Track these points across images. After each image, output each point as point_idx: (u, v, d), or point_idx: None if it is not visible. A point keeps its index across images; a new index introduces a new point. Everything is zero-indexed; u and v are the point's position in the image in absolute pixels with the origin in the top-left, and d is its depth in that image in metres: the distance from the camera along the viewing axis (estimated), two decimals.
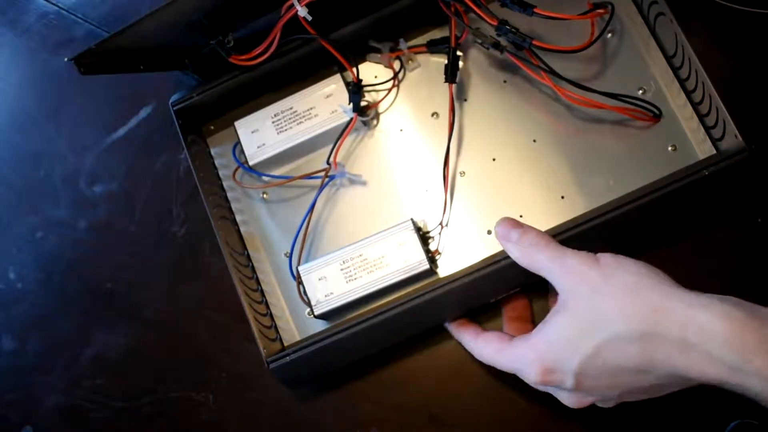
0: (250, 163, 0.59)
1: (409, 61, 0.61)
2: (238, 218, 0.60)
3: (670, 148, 0.56)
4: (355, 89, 0.58)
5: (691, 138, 0.56)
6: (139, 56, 0.56)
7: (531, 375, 0.47)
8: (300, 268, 0.56)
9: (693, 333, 0.41)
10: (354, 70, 0.58)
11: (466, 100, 0.59)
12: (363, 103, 0.59)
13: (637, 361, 0.43)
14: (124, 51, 0.54)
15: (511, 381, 0.54)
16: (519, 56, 0.55)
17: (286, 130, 0.59)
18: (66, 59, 0.50)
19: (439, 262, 0.57)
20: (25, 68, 0.71)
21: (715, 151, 0.55)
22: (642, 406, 0.48)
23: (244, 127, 0.60)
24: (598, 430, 0.55)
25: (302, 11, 0.54)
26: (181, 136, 0.59)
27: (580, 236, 0.51)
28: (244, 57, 0.57)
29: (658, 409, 0.53)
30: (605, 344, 0.44)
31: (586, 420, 0.54)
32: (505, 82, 0.59)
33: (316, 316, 0.56)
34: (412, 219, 0.56)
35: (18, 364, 0.64)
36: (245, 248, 0.60)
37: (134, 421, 0.61)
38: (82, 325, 0.64)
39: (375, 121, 0.60)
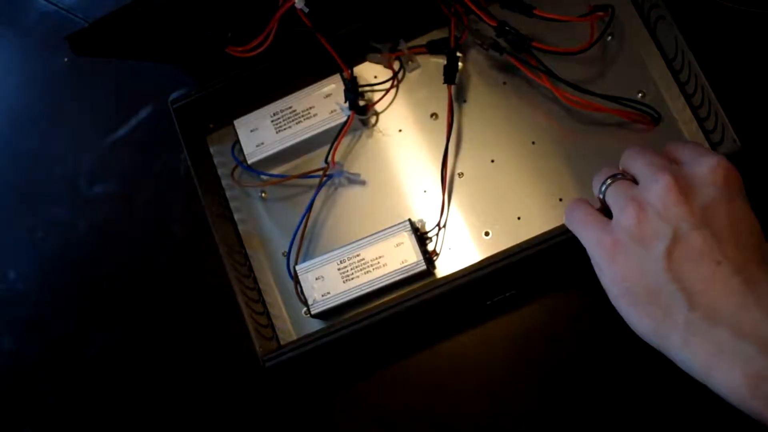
0: (249, 161, 0.59)
1: (409, 62, 0.61)
2: (236, 217, 0.60)
3: None
4: (349, 86, 0.57)
5: None
6: (136, 42, 0.56)
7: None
8: (297, 268, 0.56)
9: None
10: (347, 67, 0.58)
11: (465, 101, 0.59)
12: (361, 103, 0.59)
13: None
14: (120, 35, 0.54)
15: (511, 380, 0.54)
16: (518, 58, 0.55)
17: (285, 129, 0.59)
18: (64, 37, 0.50)
19: (436, 263, 0.57)
20: (25, 68, 0.71)
21: None
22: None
23: (244, 125, 0.60)
24: (600, 427, 0.55)
25: (299, 2, 0.54)
26: (180, 134, 0.59)
27: (578, 239, 0.51)
28: (240, 48, 0.57)
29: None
30: None
31: (589, 419, 0.54)
32: (504, 83, 0.59)
33: (312, 316, 0.56)
34: (409, 220, 0.56)
35: (18, 364, 0.64)
36: (243, 246, 0.60)
37: (134, 422, 0.61)
38: (82, 325, 0.64)
39: (374, 121, 0.60)
